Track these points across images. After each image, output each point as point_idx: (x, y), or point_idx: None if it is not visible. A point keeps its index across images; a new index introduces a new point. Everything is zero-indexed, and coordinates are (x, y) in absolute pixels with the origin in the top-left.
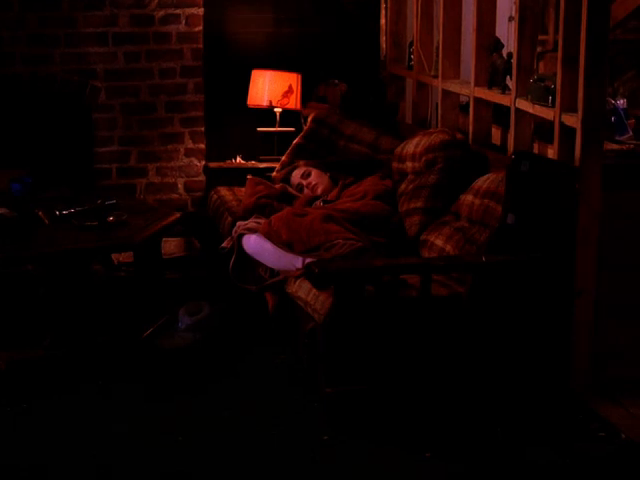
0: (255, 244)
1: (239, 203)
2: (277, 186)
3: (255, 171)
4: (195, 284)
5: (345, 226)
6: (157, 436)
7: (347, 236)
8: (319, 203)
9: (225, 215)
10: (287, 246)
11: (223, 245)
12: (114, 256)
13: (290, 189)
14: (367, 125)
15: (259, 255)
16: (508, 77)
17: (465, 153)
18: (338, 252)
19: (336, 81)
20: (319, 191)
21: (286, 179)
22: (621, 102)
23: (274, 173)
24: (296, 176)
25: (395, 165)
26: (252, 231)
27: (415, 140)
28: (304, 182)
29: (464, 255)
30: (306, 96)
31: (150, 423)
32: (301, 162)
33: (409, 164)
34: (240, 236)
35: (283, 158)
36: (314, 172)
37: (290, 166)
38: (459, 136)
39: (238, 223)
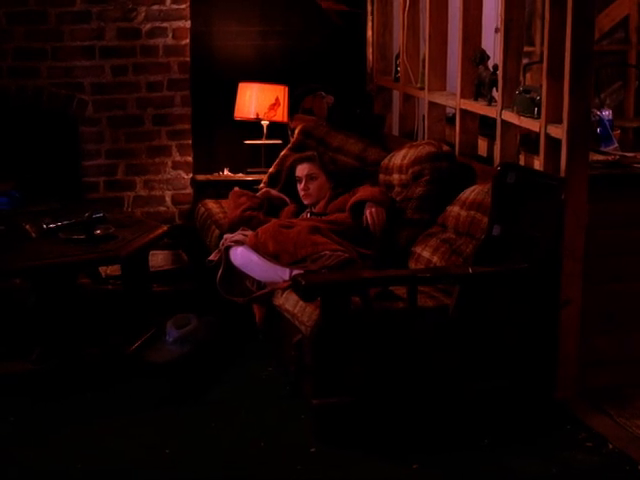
0: (242, 256)
1: (226, 216)
2: (259, 194)
3: (242, 183)
4: (183, 297)
5: (332, 237)
6: (145, 448)
7: (334, 248)
8: (306, 215)
9: (212, 228)
10: (274, 258)
11: (210, 258)
12: (102, 269)
13: (273, 192)
14: (354, 137)
15: (246, 267)
16: (494, 89)
17: (451, 165)
18: (325, 264)
19: (323, 93)
20: (308, 201)
21: (294, 164)
22: (606, 113)
23: (261, 185)
24: (303, 169)
25: (382, 177)
26: (239, 243)
27: (402, 152)
28: (303, 183)
29: (451, 266)
30: (293, 108)
31: (137, 435)
32: (316, 155)
33: (396, 176)
34: (227, 248)
35: (270, 170)
36: (319, 181)
37: (305, 154)
38: (445, 148)
39: (225, 236)
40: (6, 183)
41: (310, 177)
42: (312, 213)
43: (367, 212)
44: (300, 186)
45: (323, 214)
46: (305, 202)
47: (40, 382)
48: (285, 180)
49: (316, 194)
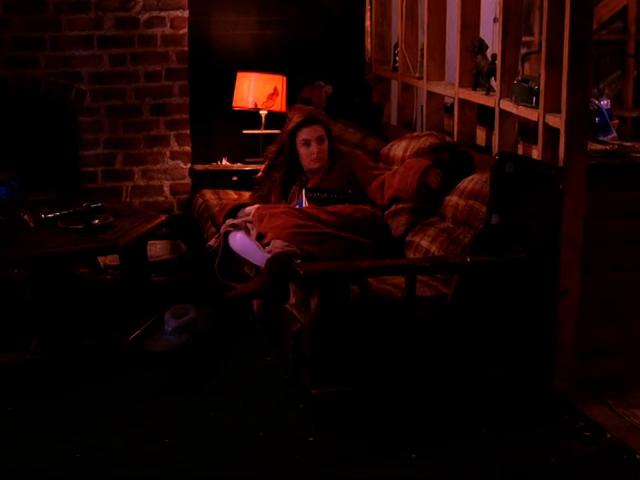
0: (241, 242)
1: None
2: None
3: (241, 173)
4: (181, 287)
5: (329, 224)
6: (143, 438)
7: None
8: (297, 192)
9: (209, 219)
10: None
11: (210, 243)
12: (100, 259)
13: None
14: (353, 126)
15: (245, 253)
16: (492, 78)
17: (454, 156)
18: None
19: (321, 83)
20: (318, 165)
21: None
22: (605, 103)
23: (259, 174)
24: (314, 131)
25: (382, 166)
26: (238, 228)
27: (403, 143)
28: (314, 145)
29: (449, 256)
30: (292, 98)
31: (136, 425)
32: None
33: (397, 167)
34: (227, 234)
35: (272, 148)
36: (326, 144)
37: (309, 115)
38: (448, 139)
39: (227, 221)
40: (4, 173)
41: (320, 139)
42: (307, 189)
43: (434, 174)
44: (309, 149)
45: (318, 189)
46: (315, 166)
47: (38, 373)
48: (290, 150)
49: (325, 157)
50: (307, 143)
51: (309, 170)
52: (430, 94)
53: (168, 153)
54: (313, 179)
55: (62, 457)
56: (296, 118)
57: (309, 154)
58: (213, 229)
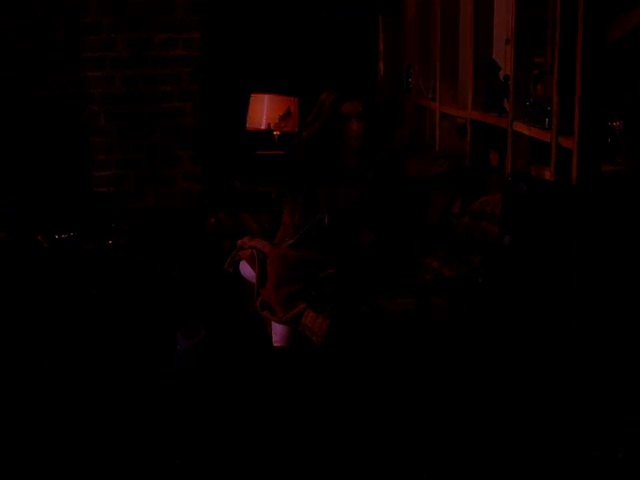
0: (249, 270)
1: (237, 226)
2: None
3: (253, 194)
4: (193, 307)
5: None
6: (153, 459)
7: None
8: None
9: (222, 239)
10: None
11: (225, 267)
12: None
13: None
14: None
15: (253, 279)
16: (505, 100)
17: (468, 181)
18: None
19: None
20: (358, 143)
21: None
22: (617, 123)
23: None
24: (352, 107)
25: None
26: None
27: (416, 165)
28: (354, 122)
29: (460, 276)
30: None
31: (146, 446)
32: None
33: None
34: (238, 261)
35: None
36: (363, 124)
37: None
38: (461, 161)
39: (239, 242)
40: (15, 193)
41: (359, 116)
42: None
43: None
44: (350, 125)
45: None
46: (353, 144)
47: (48, 392)
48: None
49: (362, 137)
50: (347, 117)
51: (348, 147)
52: (443, 115)
53: (181, 174)
54: (347, 183)
55: (69, 478)
56: (333, 93)
57: (350, 130)
58: (227, 243)
